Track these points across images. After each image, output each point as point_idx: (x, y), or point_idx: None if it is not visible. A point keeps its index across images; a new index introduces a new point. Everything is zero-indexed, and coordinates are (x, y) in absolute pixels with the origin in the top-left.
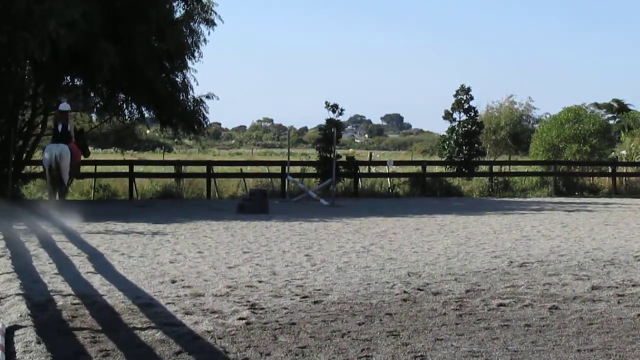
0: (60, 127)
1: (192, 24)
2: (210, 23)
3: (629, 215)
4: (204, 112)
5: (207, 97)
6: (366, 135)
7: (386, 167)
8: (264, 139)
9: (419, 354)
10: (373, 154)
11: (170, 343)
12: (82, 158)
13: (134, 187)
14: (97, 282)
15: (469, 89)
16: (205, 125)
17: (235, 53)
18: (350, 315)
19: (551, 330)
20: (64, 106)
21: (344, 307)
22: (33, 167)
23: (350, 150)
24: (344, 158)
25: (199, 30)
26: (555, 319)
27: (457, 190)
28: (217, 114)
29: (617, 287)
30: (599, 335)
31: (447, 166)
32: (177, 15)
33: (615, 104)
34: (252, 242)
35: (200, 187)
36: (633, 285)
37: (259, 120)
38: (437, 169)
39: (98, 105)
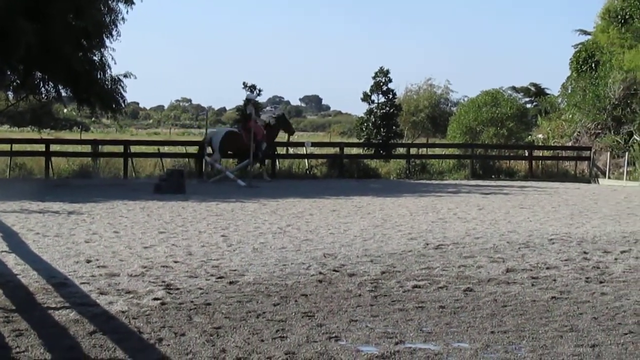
0: None
1: (110, 2)
2: (129, 2)
3: (544, 199)
4: (122, 91)
5: (125, 76)
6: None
7: (304, 148)
8: (182, 119)
9: (334, 335)
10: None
11: (85, 323)
12: None
13: (50, 166)
14: (12, 261)
15: (387, 72)
16: (123, 105)
17: (154, 32)
18: (265, 296)
19: (465, 312)
20: None
21: (259, 287)
22: None
23: None
24: None
25: (118, 9)
26: (469, 301)
27: (375, 172)
28: (135, 93)
29: (531, 270)
30: (513, 317)
31: (365, 148)
32: None
33: (532, 88)
34: (168, 222)
35: (117, 166)
36: (547, 268)
37: (177, 100)
38: (354, 150)
39: (14, 83)
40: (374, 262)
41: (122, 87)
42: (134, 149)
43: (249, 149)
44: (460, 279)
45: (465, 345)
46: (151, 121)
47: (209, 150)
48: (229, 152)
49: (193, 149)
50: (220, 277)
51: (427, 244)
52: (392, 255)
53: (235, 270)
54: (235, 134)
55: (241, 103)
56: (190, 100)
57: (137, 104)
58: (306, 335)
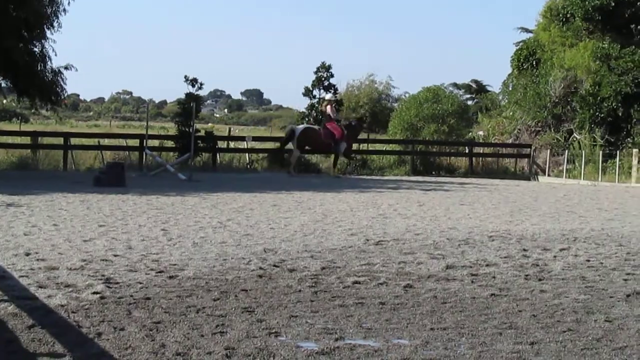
0: None
1: None
2: None
3: (484, 196)
4: (62, 83)
5: (66, 68)
6: (226, 110)
7: (245, 142)
8: (123, 112)
9: (274, 330)
10: (232, 129)
11: (23, 316)
12: None
13: None
14: None
15: (329, 67)
16: (63, 97)
17: (96, 24)
18: (205, 290)
19: (405, 308)
20: None
21: (199, 282)
22: None
23: (210, 124)
24: (202, 132)
25: (59, 0)
26: (409, 298)
27: (316, 167)
28: (75, 85)
29: (471, 267)
30: (452, 314)
31: None
32: None
33: (474, 85)
34: (108, 215)
35: (56, 158)
36: (487, 265)
37: (118, 93)
38: None
39: None
40: (314, 257)
41: (63, 79)
42: (74, 141)
43: (325, 146)
44: (400, 275)
45: (404, 342)
46: (91, 113)
47: (289, 145)
48: (307, 148)
49: (133, 142)
50: (160, 272)
51: (368, 240)
52: (333, 251)
53: (175, 264)
54: (312, 130)
55: (183, 96)
56: (131, 93)
57: (78, 95)
58: (246, 331)
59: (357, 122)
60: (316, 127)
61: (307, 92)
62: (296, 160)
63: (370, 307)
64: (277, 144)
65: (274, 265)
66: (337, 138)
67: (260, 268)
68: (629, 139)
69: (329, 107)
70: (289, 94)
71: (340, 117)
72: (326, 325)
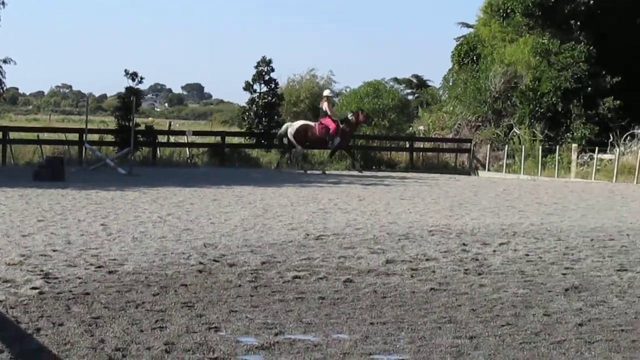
0: None
1: None
2: None
3: (424, 190)
4: (1, 77)
5: (5, 61)
6: (166, 104)
7: (185, 136)
8: (62, 106)
9: (213, 326)
10: (173, 124)
11: None
12: None
13: None
14: None
15: (270, 61)
16: (1, 90)
17: (35, 17)
18: (145, 285)
19: (345, 303)
20: None
21: (139, 277)
22: None
23: (150, 119)
24: (143, 127)
25: None
26: (349, 292)
27: (256, 161)
28: (14, 78)
29: (410, 261)
30: (392, 309)
31: (247, 137)
32: None
33: (414, 80)
34: (47, 210)
35: None
36: (426, 260)
37: (57, 86)
38: (236, 140)
39: None
40: (255, 252)
41: (1, 73)
42: (13, 135)
43: (321, 141)
44: (340, 270)
45: (344, 337)
46: (31, 107)
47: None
48: (307, 144)
49: (73, 136)
50: (100, 267)
51: (308, 235)
52: (273, 246)
53: (114, 259)
54: (308, 126)
55: (123, 90)
56: (70, 87)
57: (17, 89)
58: (186, 326)
59: (354, 115)
60: (312, 123)
61: (248, 87)
62: (301, 157)
63: (310, 301)
64: (218, 139)
65: (214, 260)
66: (332, 133)
67: (200, 263)
68: (568, 134)
69: (325, 103)
70: (230, 88)
71: (338, 112)
72: (266, 320)
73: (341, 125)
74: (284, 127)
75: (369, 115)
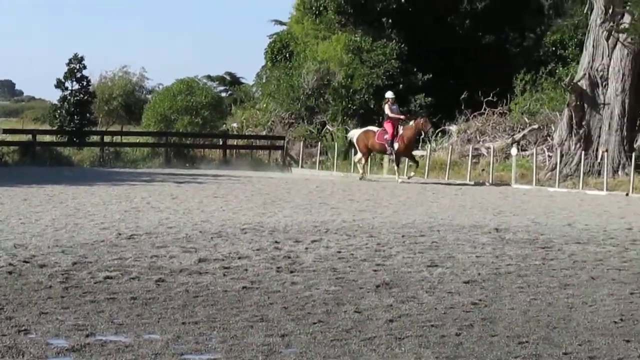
0: None
1: None
2: None
3: (237, 188)
4: None
5: None
6: None
7: None
8: None
9: (23, 328)
10: None
11: None
12: None
13: None
14: None
15: (82, 58)
16: None
17: None
18: None
19: (157, 303)
20: None
21: None
22: None
23: None
24: None
25: None
26: (161, 292)
27: (68, 160)
28: None
29: (223, 260)
30: (204, 308)
31: (58, 135)
32: None
33: (228, 77)
34: None
35: None
36: (239, 258)
37: None
38: (48, 138)
39: None
40: (66, 252)
41: None
42: None
43: (379, 146)
44: (152, 269)
45: (156, 337)
46: None
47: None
48: (369, 150)
49: None
50: None
51: (120, 234)
52: (84, 246)
53: None
54: (369, 132)
55: None
56: None
57: None
58: None
59: (415, 120)
60: (375, 129)
61: (59, 84)
62: (362, 165)
63: (122, 302)
64: (29, 137)
65: (24, 261)
66: (389, 138)
67: (10, 264)
68: None
69: (386, 105)
70: (42, 85)
71: (399, 114)
72: (77, 321)
73: (400, 131)
74: (350, 133)
75: (430, 121)
